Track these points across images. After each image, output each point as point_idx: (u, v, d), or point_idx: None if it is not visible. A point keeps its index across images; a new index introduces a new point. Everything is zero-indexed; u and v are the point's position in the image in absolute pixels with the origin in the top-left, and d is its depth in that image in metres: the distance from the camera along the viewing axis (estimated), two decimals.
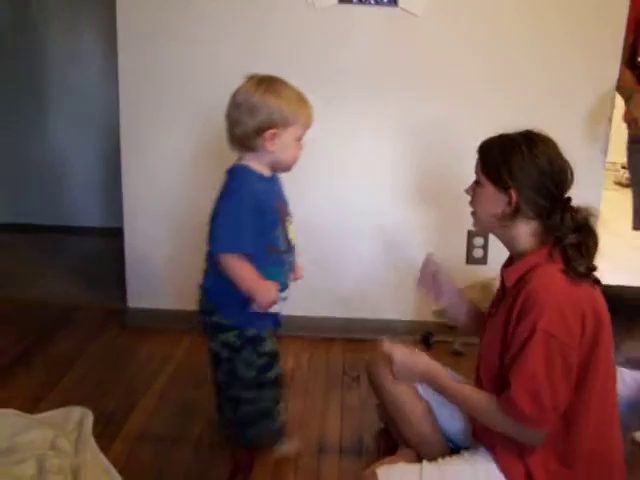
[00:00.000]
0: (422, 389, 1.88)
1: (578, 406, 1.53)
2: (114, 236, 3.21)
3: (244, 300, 1.83)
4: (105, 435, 2.12)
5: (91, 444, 2.04)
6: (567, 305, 1.47)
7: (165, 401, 2.37)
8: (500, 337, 1.58)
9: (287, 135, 1.82)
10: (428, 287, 2.01)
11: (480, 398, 1.62)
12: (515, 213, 1.60)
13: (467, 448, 1.77)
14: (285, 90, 1.83)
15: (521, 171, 1.58)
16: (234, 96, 1.83)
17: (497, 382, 1.60)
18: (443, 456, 1.76)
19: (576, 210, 1.58)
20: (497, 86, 2.72)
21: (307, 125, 1.86)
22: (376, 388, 2.01)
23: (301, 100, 1.85)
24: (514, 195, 1.59)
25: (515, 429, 1.53)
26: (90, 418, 2.17)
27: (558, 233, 1.55)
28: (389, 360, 1.83)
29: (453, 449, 1.87)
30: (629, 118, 2.70)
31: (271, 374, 1.94)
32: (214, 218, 1.83)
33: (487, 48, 2.69)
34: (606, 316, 1.56)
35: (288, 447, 2.07)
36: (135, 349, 2.76)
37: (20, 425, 2.05)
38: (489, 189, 1.64)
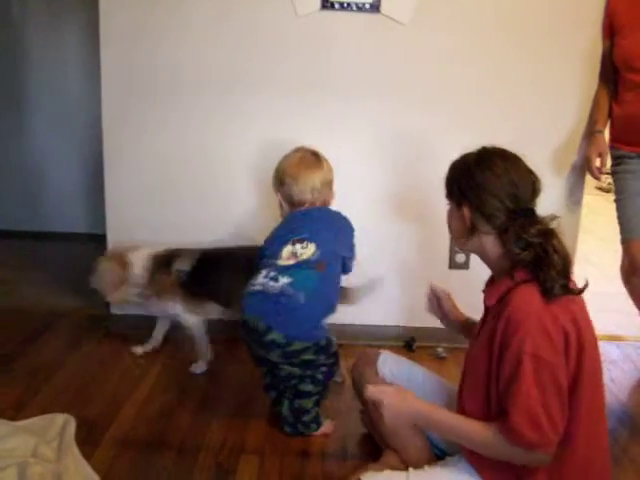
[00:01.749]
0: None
1: (567, 421, 1.52)
2: (97, 242, 3.20)
3: None
4: (88, 441, 2.11)
5: (73, 451, 2.02)
6: (548, 324, 1.47)
7: (148, 407, 2.36)
8: (485, 354, 1.58)
9: None
10: (435, 313, 2.07)
11: (479, 430, 1.56)
12: (472, 229, 1.63)
13: (452, 454, 1.78)
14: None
15: (470, 188, 1.61)
16: (311, 179, 2.24)
17: (483, 397, 1.59)
18: (428, 462, 1.76)
19: (536, 222, 1.57)
20: (482, 96, 2.74)
21: None
22: (360, 393, 2.01)
23: None
24: (466, 211, 1.63)
25: (521, 456, 1.51)
26: (73, 424, 2.15)
27: (511, 251, 1.56)
28: (378, 406, 1.71)
29: (439, 455, 1.88)
30: (585, 155, 2.72)
31: None
32: (351, 250, 2.31)
33: (472, 58, 2.71)
34: (587, 327, 1.55)
35: (326, 426, 2.25)
36: (118, 355, 2.75)
37: (1, 432, 2.03)
38: (452, 207, 1.71)
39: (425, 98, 2.73)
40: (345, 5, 2.62)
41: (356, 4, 2.63)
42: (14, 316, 2.99)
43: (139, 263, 2.57)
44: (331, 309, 2.19)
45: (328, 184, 2.30)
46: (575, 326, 1.50)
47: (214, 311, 2.61)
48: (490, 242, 1.63)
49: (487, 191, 1.59)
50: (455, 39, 2.68)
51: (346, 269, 2.27)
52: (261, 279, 2.11)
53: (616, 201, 2.65)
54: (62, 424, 2.16)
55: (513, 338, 1.48)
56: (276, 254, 2.13)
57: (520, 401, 1.46)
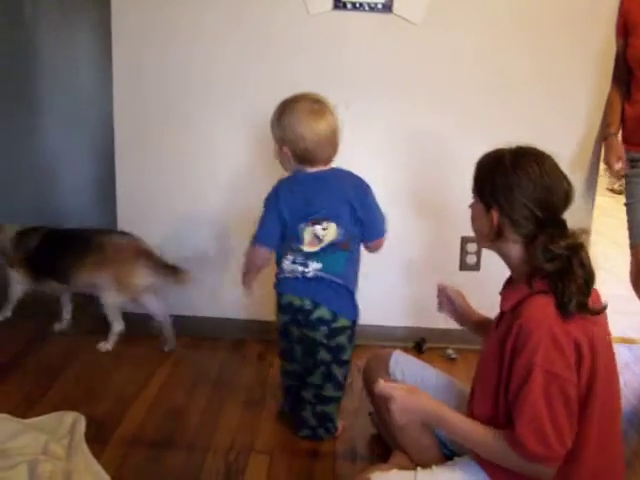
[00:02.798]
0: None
1: (578, 437, 1.50)
2: None
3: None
4: (97, 440, 2.11)
5: (83, 449, 2.03)
6: (561, 336, 1.44)
7: (157, 406, 2.37)
8: (495, 360, 1.56)
9: None
10: (448, 313, 2.04)
11: (487, 436, 1.55)
12: (498, 234, 1.58)
13: (461, 455, 1.77)
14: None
15: (503, 191, 1.55)
16: (319, 132, 2.07)
17: (492, 403, 1.58)
18: (437, 463, 1.75)
19: (566, 235, 1.52)
20: (494, 96, 2.73)
21: None
22: (371, 394, 2.00)
23: None
24: (495, 215, 1.57)
25: (525, 467, 1.49)
26: (82, 423, 2.16)
27: (536, 261, 1.51)
28: (388, 401, 1.69)
29: (448, 455, 1.87)
30: (605, 160, 2.73)
31: None
32: (373, 209, 2.15)
33: (485, 58, 2.70)
34: (603, 345, 1.52)
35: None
36: (127, 354, 2.75)
37: (12, 430, 2.04)
38: (478, 207, 1.64)
39: (437, 98, 2.72)
40: (357, 5, 2.62)
41: (368, 4, 2.62)
42: (24, 314, 2.99)
43: (8, 234, 2.90)
44: (357, 285, 2.19)
45: (337, 134, 2.14)
46: (587, 338, 1.47)
47: (56, 288, 2.87)
48: (515, 249, 1.58)
49: (519, 196, 1.52)
50: (467, 39, 2.67)
51: (375, 233, 2.19)
52: (290, 265, 2.10)
53: (626, 205, 2.64)
54: (72, 422, 2.16)
55: (524, 348, 1.45)
56: (298, 238, 2.08)
57: (527, 413, 1.44)
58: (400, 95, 2.72)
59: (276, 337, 2.25)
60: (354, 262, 2.17)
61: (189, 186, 2.85)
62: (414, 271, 2.88)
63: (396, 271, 2.87)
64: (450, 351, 2.83)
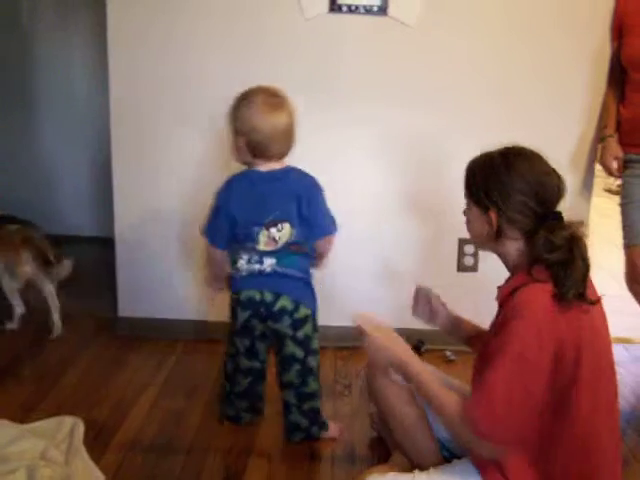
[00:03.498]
0: (419, 396, 1.88)
1: (558, 433, 1.51)
2: (105, 245, 3.21)
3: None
4: (96, 445, 2.11)
5: (82, 454, 2.03)
6: (545, 326, 1.44)
7: (156, 410, 2.36)
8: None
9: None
10: (422, 314, 2.09)
11: (447, 395, 1.57)
12: (498, 234, 1.60)
13: (460, 457, 1.77)
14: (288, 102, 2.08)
15: (498, 192, 1.57)
16: (271, 126, 2.01)
17: None
18: (436, 465, 1.75)
19: (564, 227, 1.55)
20: (490, 97, 2.73)
21: None
22: (372, 395, 2.01)
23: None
24: (493, 217, 1.59)
25: (467, 438, 1.51)
26: (81, 427, 2.16)
27: (537, 253, 1.53)
28: (365, 336, 1.78)
29: (447, 458, 1.87)
30: (600, 162, 2.75)
31: None
32: (318, 207, 2.10)
33: (481, 60, 2.70)
34: (594, 336, 1.52)
35: (332, 429, 2.25)
36: (126, 358, 2.75)
37: (11, 435, 2.03)
38: (474, 211, 1.66)
39: (433, 99, 2.73)
40: (353, 8, 2.62)
41: (364, 6, 2.62)
42: (23, 319, 2.99)
43: None
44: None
45: (293, 130, 2.07)
46: (575, 334, 1.47)
47: None
48: (515, 245, 1.60)
49: (515, 195, 1.55)
50: (463, 41, 2.68)
51: (318, 231, 2.13)
52: (245, 265, 2.10)
53: (621, 205, 2.65)
54: (70, 427, 2.16)
55: (508, 324, 1.47)
56: (253, 239, 2.06)
57: (484, 389, 1.47)
58: (396, 97, 2.72)
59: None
60: (310, 259, 2.16)
61: (185, 189, 2.84)
62: (412, 273, 2.88)
63: (394, 273, 2.87)
64: (449, 353, 2.83)
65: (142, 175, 2.85)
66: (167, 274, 2.90)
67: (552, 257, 1.51)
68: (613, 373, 1.61)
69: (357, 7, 2.62)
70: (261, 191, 2.07)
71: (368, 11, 2.63)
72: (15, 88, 4.10)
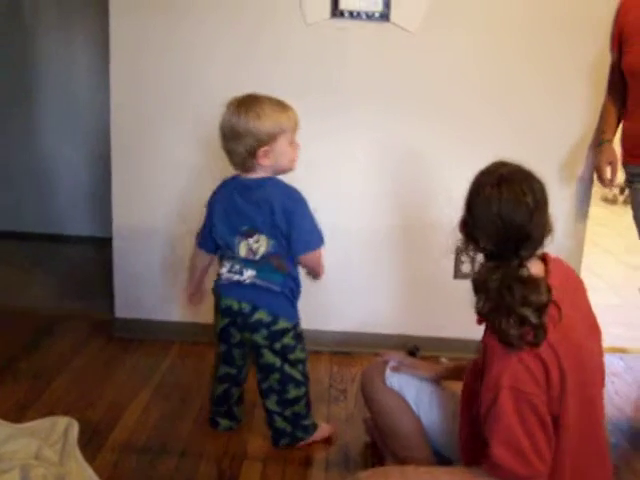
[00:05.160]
0: (414, 403, 1.88)
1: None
2: (103, 246, 3.21)
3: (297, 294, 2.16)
4: (91, 445, 2.11)
5: (76, 454, 2.02)
6: (527, 356, 1.41)
7: (151, 412, 2.36)
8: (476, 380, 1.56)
9: (279, 145, 1.97)
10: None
11: (468, 475, 1.53)
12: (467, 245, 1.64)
13: (455, 463, 1.77)
14: (263, 106, 1.96)
15: (467, 211, 1.59)
16: (220, 127, 1.99)
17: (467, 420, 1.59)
18: None
19: (507, 267, 1.51)
20: (491, 104, 2.73)
21: (294, 128, 2.01)
22: (368, 400, 2.01)
23: (281, 109, 1.99)
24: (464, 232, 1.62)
25: None
26: (76, 428, 2.16)
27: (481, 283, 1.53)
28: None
29: (441, 464, 1.87)
30: (595, 165, 2.71)
31: None
32: (298, 220, 2.02)
33: (482, 66, 2.71)
34: (575, 347, 1.48)
35: (323, 429, 2.25)
36: (122, 359, 2.75)
37: (4, 435, 2.03)
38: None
39: (434, 105, 2.73)
40: (354, 14, 2.63)
41: (365, 13, 2.63)
42: (19, 318, 2.99)
43: None
44: (299, 288, 2.18)
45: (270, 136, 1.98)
46: (553, 352, 1.42)
47: None
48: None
49: (476, 217, 1.55)
50: (464, 47, 2.68)
51: (300, 246, 2.06)
52: (226, 274, 2.10)
53: (635, 218, 2.58)
54: (65, 427, 2.16)
55: (492, 367, 1.45)
56: (232, 247, 2.07)
57: (501, 433, 1.42)
58: (397, 103, 2.73)
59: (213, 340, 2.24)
60: (293, 271, 2.12)
61: (184, 191, 2.85)
62: (408, 279, 2.89)
63: (390, 279, 2.88)
64: (444, 359, 2.83)
65: (141, 176, 2.85)
66: (165, 276, 2.90)
67: (482, 307, 1.50)
68: (597, 390, 1.58)
69: (359, 13, 2.63)
70: (236, 200, 2.07)
71: (370, 17, 2.64)
72: (16, 87, 4.11)
